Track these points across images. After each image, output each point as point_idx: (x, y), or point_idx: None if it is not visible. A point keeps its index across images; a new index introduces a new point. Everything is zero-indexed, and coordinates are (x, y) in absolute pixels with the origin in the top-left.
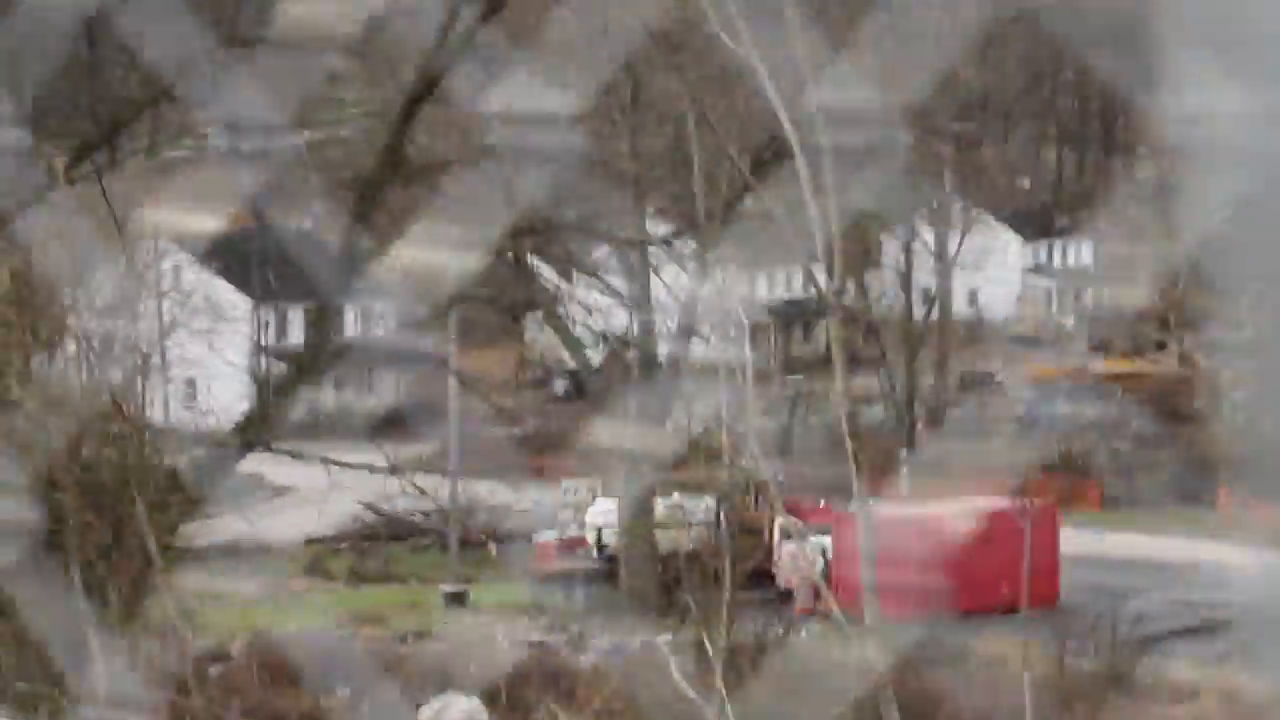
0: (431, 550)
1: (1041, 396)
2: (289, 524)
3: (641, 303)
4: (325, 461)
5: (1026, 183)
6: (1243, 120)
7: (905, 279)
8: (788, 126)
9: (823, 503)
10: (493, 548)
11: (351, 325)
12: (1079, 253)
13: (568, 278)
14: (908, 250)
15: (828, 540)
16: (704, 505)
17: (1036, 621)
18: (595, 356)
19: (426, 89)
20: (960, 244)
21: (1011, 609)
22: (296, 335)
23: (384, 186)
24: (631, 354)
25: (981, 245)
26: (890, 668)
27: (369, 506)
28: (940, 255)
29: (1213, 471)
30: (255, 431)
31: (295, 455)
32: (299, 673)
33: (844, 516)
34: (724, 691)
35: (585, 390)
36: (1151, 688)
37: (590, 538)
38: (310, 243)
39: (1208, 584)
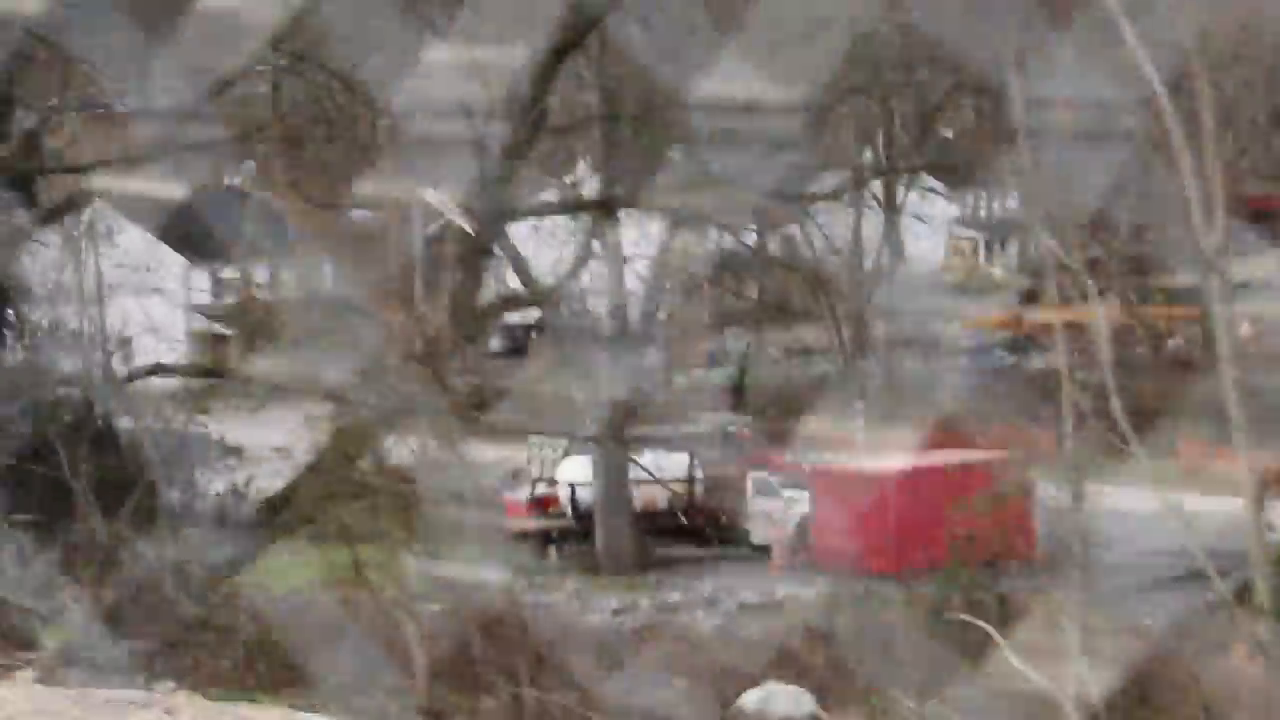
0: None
1: (979, 346)
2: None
3: (613, 260)
4: None
5: (950, 134)
6: None
7: (855, 231)
8: (1160, 89)
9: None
10: None
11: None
12: (1003, 203)
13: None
14: (856, 204)
15: (801, 495)
16: (676, 461)
17: (1026, 572)
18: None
19: (576, 38)
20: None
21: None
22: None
23: (529, 145)
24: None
25: (910, 198)
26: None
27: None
28: (889, 206)
29: (1169, 421)
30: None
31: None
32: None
33: (821, 472)
34: (1086, 679)
35: (523, 348)
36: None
37: (563, 495)
38: (239, 204)
39: (1178, 533)
